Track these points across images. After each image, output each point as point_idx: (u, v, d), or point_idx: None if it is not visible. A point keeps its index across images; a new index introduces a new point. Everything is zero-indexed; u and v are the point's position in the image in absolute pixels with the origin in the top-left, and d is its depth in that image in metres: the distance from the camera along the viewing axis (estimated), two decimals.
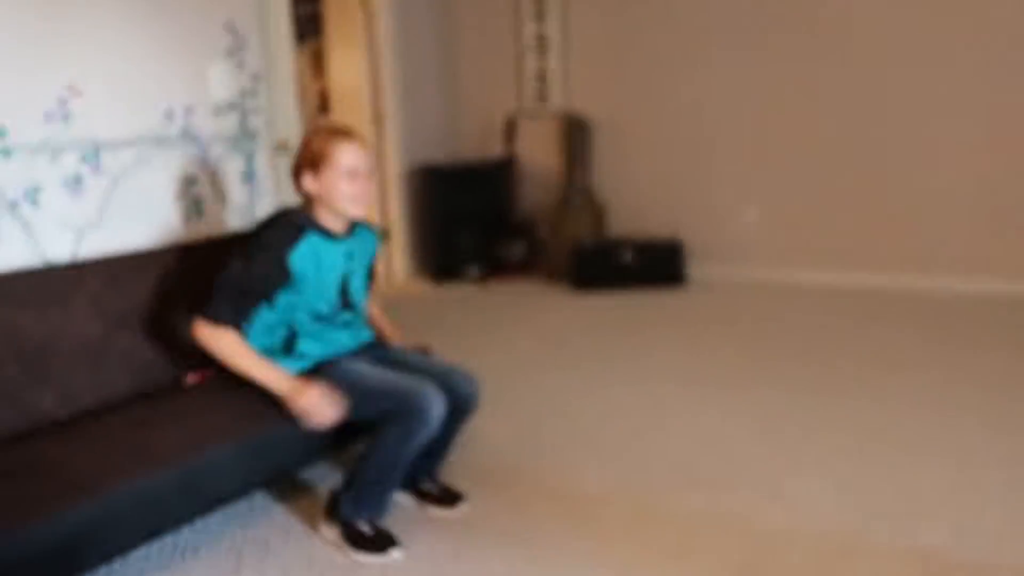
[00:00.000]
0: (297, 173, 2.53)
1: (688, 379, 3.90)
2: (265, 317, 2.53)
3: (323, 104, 7.69)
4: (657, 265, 5.78)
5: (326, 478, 2.98)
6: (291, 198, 3.42)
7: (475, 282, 6.31)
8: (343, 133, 2.53)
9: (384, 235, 6.26)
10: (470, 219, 6.39)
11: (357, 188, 2.49)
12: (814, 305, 5.12)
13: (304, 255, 2.46)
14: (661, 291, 5.68)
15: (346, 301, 2.62)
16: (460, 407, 2.60)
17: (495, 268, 6.36)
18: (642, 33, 6.01)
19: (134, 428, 2.42)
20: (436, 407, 2.38)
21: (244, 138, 3.58)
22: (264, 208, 3.68)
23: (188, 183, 3.34)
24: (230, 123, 3.51)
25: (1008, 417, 3.25)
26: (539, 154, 6.61)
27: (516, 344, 4.60)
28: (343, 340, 2.65)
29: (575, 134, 6.19)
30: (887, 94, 5.33)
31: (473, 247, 6.39)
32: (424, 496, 2.76)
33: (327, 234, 2.53)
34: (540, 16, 6.41)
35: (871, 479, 2.81)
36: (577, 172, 6.20)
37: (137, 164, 3.14)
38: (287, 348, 2.57)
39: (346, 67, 6.77)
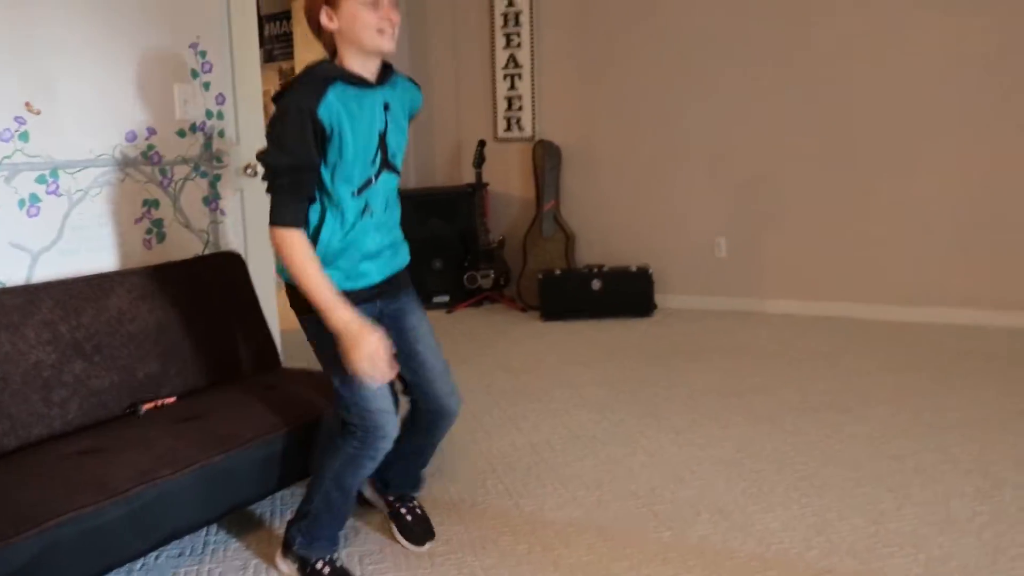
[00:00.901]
0: (313, 13, 2.19)
1: (655, 409, 3.86)
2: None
3: None
4: (626, 294, 5.76)
5: (284, 510, 2.92)
6: (257, 227, 3.36)
7: (443, 310, 6.27)
8: None
9: None
10: (439, 246, 6.36)
11: (383, 16, 2.15)
12: (783, 334, 5.12)
13: (333, 108, 2.13)
14: (630, 320, 5.67)
15: (385, 158, 2.31)
16: (438, 420, 2.53)
17: (464, 296, 6.33)
18: (613, 61, 6.03)
19: (85, 458, 2.33)
20: (388, 443, 2.32)
21: (208, 161, 3.52)
22: (228, 234, 3.62)
23: (149, 206, 3.27)
24: (194, 145, 3.45)
25: (980, 452, 3.24)
26: (510, 181, 6.60)
27: (483, 373, 4.55)
28: (373, 245, 2.33)
29: (546, 161, 6.18)
30: (857, 126, 5.36)
31: (442, 274, 6.36)
32: (397, 518, 2.68)
33: (358, 81, 2.20)
34: (513, 43, 6.42)
35: (840, 512, 2.78)
36: (547, 200, 6.18)
37: (97, 186, 3.07)
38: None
39: None
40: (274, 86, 7.75)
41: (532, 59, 6.38)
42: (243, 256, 3.41)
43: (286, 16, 7.49)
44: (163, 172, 3.32)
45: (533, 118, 6.43)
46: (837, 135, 5.41)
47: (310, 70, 2.19)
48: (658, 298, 5.87)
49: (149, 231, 3.27)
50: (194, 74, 3.44)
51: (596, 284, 5.73)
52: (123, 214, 3.17)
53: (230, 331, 3.18)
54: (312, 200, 2.21)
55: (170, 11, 3.33)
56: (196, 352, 3.00)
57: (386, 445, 2.31)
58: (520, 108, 6.47)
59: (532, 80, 6.40)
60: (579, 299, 5.75)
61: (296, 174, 2.13)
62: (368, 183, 2.25)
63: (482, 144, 6.22)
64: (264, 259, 3.73)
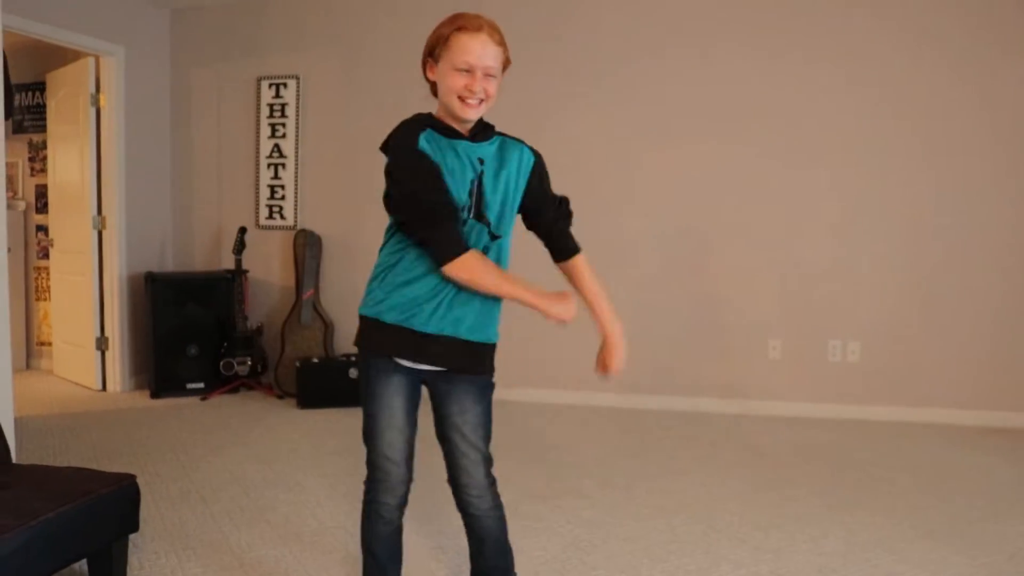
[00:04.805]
0: (423, 61, 2.27)
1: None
2: (394, 235, 2.27)
3: (41, 201, 7.30)
4: None
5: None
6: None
7: (197, 396, 6.12)
8: (472, 22, 2.18)
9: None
10: (195, 331, 6.23)
11: (467, 84, 2.16)
12: (528, 423, 5.38)
13: (427, 146, 2.18)
14: None
15: (478, 210, 2.23)
16: (472, 527, 2.50)
17: (220, 382, 6.21)
18: (374, 155, 6.20)
19: None
20: (391, 499, 2.39)
21: None
22: None
23: None
24: None
25: (704, 532, 3.54)
26: (270, 268, 6.59)
27: (236, 463, 4.48)
28: (438, 283, 2.23)
29: (307, 250, 6.24)
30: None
31: (197, 360, 6.22)
32: None
33: (447, 132, 2.23)
34: (278, 133, 6.49)
35: None
36: (307, 288, 6.22)
37: None
38: (383, 278, 2.27)
39: (69, 164, 6.52)
40: (22, 159, 7.39)
41: (297, 150, 6.47)
42: None
43: (40, 87, 7.19)
44: None
45: (295, 207, 6.50)
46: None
47: (404, 121, 2.25)
48: None
49: None
50: None
51: (353, 373, 5.78)
52: None
53: None
54: (461, 222, 2.19)
55: None
56: None
57: (387, 499, 2.37)
58: (283, 197, 6.52)
59: (296, 170, 6.48)
60: (336, 387, 5.79)
61: (434, 204, 2.12)
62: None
63: (243, 231, 6.21)
64: None
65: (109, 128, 6.23)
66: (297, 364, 5.85)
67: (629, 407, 5.81)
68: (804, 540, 3.46)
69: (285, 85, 6.49)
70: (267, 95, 6.52)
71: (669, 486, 4.15)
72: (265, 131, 6.53)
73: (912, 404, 5.48)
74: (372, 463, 2.38)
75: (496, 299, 2.32)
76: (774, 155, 5.59)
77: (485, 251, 2.25)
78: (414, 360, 2.29)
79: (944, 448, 4.86)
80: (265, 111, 6.52)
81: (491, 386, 2.43)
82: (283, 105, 6.48)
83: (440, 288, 2.22)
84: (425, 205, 2.12)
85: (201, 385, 6.22)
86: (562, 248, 2.48)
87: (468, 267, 2.13)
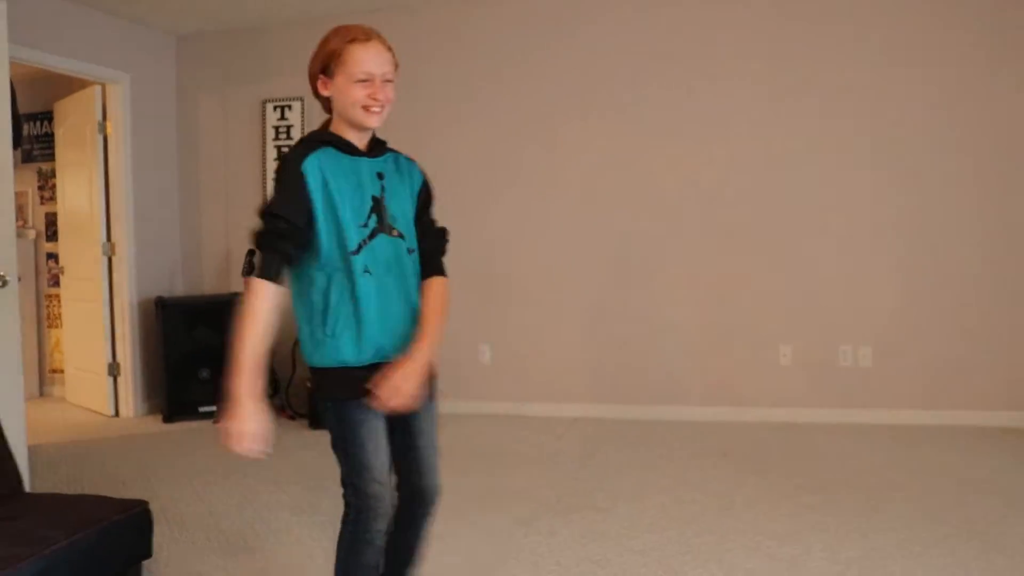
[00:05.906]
0: (312, 78, 2.28)
1: None
2: (310, 275, 2.23)
3: (51, 229, 7.34)
4: None
5: None
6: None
7: (209, 420, 6.13)
8: (361, 32, 2.22)
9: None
10: (206, 354, 6.24)
11: (370, 94, 2.19)
12: (540, 437, 5.36)
13: (317, 165, 2.17)
14: None
15: (382, 222, 2.25)
16: (414, 507, 2.43)
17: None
18: None
19: None
20: (381, 524, 2.29)
21: None
22: None
23: None
24: None
25: (717, 541, 3.52)
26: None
27: (248, 486, 4.48)
28: (378, 308, 2.24)
29: None
30: (604, 241, 5.82)
31: (209, 384, 6.23)
32: None
33: (346, 148, 2.25)
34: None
35: None
36: None
37: None
38: (323, 322, 2.23)
39: (78, 191, 6.57)
40: (32, 187, 7.44)
41: None
42: None
43: (48, 116, 7.25)
44: None
45: None
46: (586, 249, 5.84)
47: (310, 133, 2.29)
48: None
49: None
50: None
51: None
52: None
53: None
54: (293, 261, 2.19)
55: None
56: None
57: (379, 526, 2.28)
58: None
59: None
60: None
61: (275, 231, 2.13)
62: (363, 244, 2.21)
63: (251, 253, 6.21)
64: (6, 368, 3.56)
65: (117, 155, 6.27)
66: (308, 384, 5.86)
67: (639, 418, 5.79)
68: (820, 548, 3.43)
69: (290, 107, 6.52)
70: (272, 117, 6.55)
71: (682, 497, 4.13)
72: (271, 153, 6.56)
73: (924, 408, 5.45)
74: (363, 493, 2.27)
75: (411, 304, 2.34)
76: (783, 161, 5.58)
77: (393, 261, 2.27)
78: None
79: (958, 451, 4.82)
80: (271, 133, 6.55)
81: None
82: (288, 127, 6.51)
83: (385, 305, 2.24)
84: (276, 220, 2.13)
85: (213, 408, 6.23)
86: (429, 270, 2.46)
87: (251, 291, 2.13)
